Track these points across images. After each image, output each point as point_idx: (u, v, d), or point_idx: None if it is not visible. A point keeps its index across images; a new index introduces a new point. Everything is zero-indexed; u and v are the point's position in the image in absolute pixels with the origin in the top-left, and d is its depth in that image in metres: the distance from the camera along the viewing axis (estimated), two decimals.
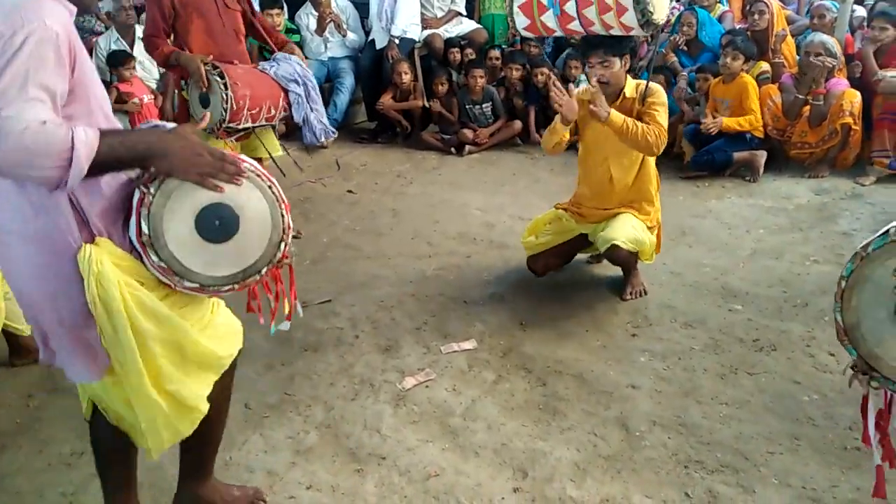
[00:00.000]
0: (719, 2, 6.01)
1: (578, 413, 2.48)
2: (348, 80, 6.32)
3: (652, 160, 3.11)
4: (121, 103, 5.33)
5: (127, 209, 1.47)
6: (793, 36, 5.32)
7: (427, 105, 6.03)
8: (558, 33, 3.06)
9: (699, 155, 4.73)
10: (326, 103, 6.25)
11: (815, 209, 4.20)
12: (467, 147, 5.74)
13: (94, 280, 1.40)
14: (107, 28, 6.15)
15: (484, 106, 5.81)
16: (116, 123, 1.52)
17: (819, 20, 5.08)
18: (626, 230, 3.01)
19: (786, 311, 3.09)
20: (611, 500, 2.09)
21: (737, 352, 2.81)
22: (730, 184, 4.71)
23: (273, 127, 3.78)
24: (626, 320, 3.08)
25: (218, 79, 3.29)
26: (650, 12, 2.71)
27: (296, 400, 2.59)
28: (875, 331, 1.31)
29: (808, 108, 4.62)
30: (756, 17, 5.06)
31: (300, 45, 6.28)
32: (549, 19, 2.96)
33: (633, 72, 3.09)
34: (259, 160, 3.74)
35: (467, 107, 5.87)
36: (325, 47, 6.37)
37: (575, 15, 2.86)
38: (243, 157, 1.53)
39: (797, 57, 5.00)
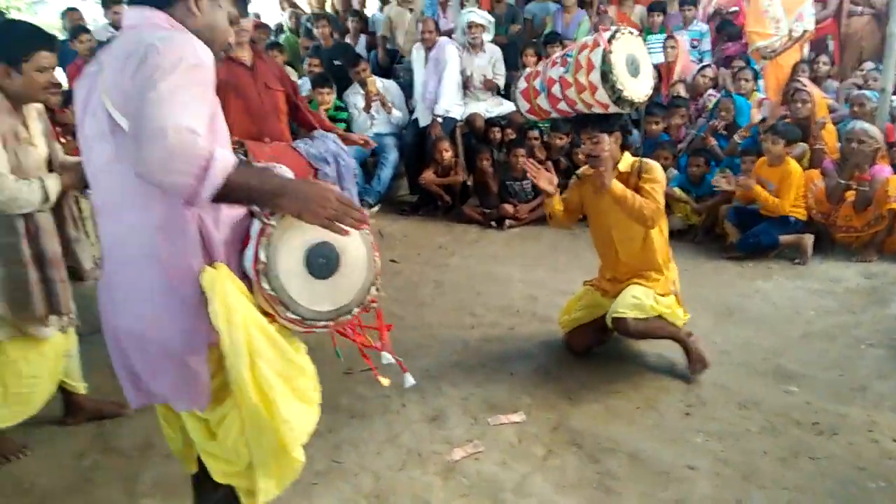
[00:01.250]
0: (756, 89, 6.14)
1: (634, 494, 2.41)
2: (392, 155, 6.51)
3: (656, 231, 3.13)
4: None
5: (243, 240, 1.57)
6: (833, 124, 5.38)
7: (466, 180, 6.17)
8: (553, 115, 3.25)
9: (745, 238, 4.72)
10: (370, 176, 6.44)
11: (866, 293, 4.13)
12: (507, 221, 5.82)
13: (219, 298, 1.47)
14: None
15: (524, 182, 5.91)
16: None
17: (859, 108, 5.15)
18: (627, 300, 3.05)
19: (843, 394, 3.01)
20: None
21: (795, 435, 2.72)
22: (776, 265, 4.67)
23: None
24: (678, 399, 3.02)
25: (241, 155, 3.35)
26: (619, 89, 2.82)
27: (344, 468, 2.56)
28: None
29: (851, 193, 4.63)
30: (798, 105, 5.15)
31: (348, 121, 6.54)
32: (542, 102, 3.18)
33: (631, 149, 3.24)
34: None
35: (508, 182, 5.99)
36: (371, 124, 6.59)
37: (560, 96, 3.06)
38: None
39: (838, 144, 5.05)
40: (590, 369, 3.28)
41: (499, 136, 6.45)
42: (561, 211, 3.30)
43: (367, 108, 6.56)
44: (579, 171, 3.31)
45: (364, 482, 2.48)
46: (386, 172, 6.45)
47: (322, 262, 1.59)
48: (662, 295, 3.12)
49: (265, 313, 1.58)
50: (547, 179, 3.20)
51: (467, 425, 2.84)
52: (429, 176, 6.25)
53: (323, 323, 1.63)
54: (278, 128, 3.76)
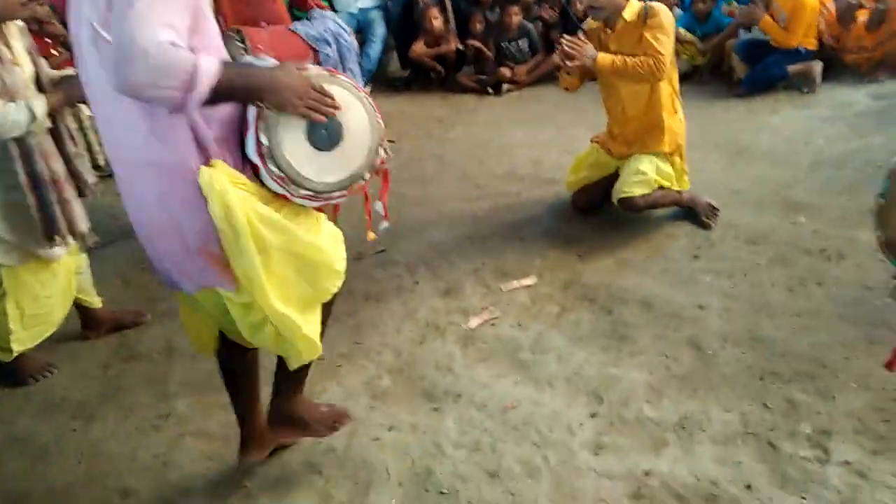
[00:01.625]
0: None
1: (647, 337, 2.48)
2: (379, 30, 6.24)
3: (665, 83, 2.98)
4: None
5: (241, 129, 1.57)
6: None
7: (461, 48, 5.93)
8: None
9: (754, 73, 4.57)
10: (359, 55, 6.21)
11: (875, 115, 4.02)
12: (505, 86, 5.64)
13: (217, 198, 1.49)
14: None
15: (520, 42, 5.68)
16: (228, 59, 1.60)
17: None
18: (631, 178, 3.03)
19: (851, 219, 3.00)
20: (690, 417, 2.10)
21: (804, 263, 2.75)
22: (784, 97, 4.53)
23: None
24: (685, 244, 3.04)
25: (239, 43, 3.23)
26: None
27: (365, 348, 2.65)
28: None
29: (863, 11, 4.40)
30: None
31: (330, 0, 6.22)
32: None
33: None
34: None
35: (503, 45, 5.75)
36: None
37: None
38: (339, 72, 1.66)
39: None
40: (598, 226, 3.29)
41: None
42: (573, 78, 3.13)
43: None
44: (585, 25, 3.12)
45: (387, 358, 2.58)
46: (375, 49, 6.20)
47: (324, 134, 1.59)
48: (669, 154, 3.06)
49: (277, 196, 1.60)
50: (588, 56, 2.88)
51: (481, 294, 2.90)
52: (419, 48, 6.01)
53: (338, 193, 1.66)
54: (275, 10, 3.62)
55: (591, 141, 3.38)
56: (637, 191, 3.02)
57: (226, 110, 1.55)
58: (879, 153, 3.55)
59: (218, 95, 1.39)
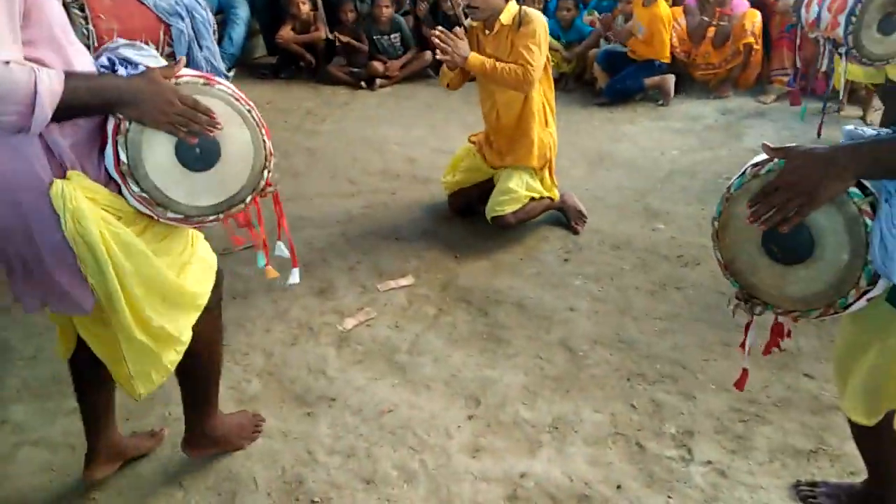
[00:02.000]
0: None
1: (522, 339, 2.52)
2: (242, 11, 5.92)
3: (538, 93, 2.98)
4: None
5: (102, 138, 1.36)
6: None
7: (330, 37, 5.77)
8: None
9: (612, 83, 4.82)
10: (221, 37, 5.86)
11: (722, 129, 4.38)
12: (378, 80, 5.56)
13: (70, 216, 1.31)
14: None
15: (392, 36, 5.62)
16: (80, 48, 1.36)
17: None
18: (501, 197, 3.05)
19: (704, 227, 3.22)
20: (563, 418, 2.15)
21: (664, 269, 2.92)
22: (641, 108, 4.82)
23: None
24: (557, 247, 3.13)
25: (78, 11, 2.90)
26: None
27: (231, 349, 2.48)
28: (748, 263, 1.37)
29: (712, 29, 4.77)
30: None
31: None
32: None
33: None
34: None
35: (375, 38, 5.67)
36: None
37: None
38: (218, 79, 1.43)
39: None
40: (474, 228, 3.30)
41: None
42: (455, 75, 3.05)
43: None
44: (466, 23, 3.07)
45: (256, 360, 2.43)
46: (238, 31, 5.88)
47: (196, 153, 1.39)
48: (539, 168, 3.09)
49: (143, 214, 1.43)
50: (461, 52, 2.81)
51: (357, 294, 2.82)
52: (287, 34, 5.78)
53: (212, 217, 1.47)
54: None
55: (469, 140, 3.36)
56: (508, 209, 3.03)
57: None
58: (726, 165, 3.87)
59: (66, 113, 1.23)
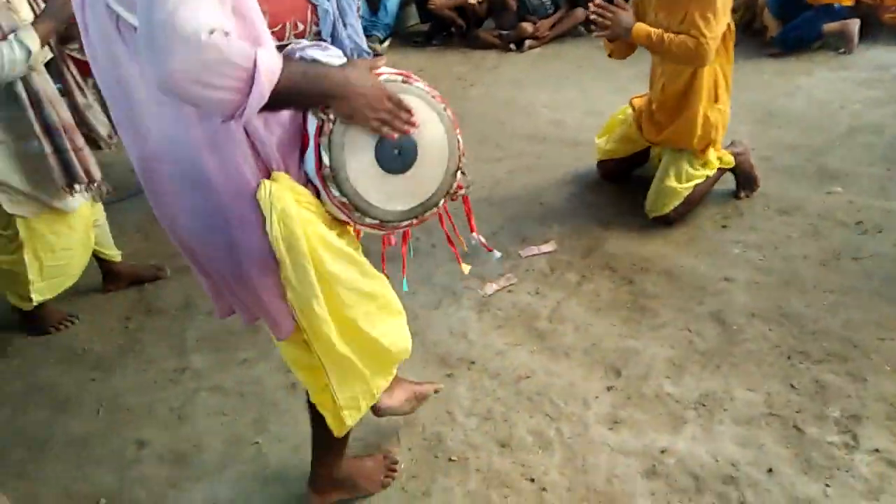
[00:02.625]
0: None
1: (670, 310, 2.40)
2: None
3: (708, 69, 2.63)
4: None
5: (302, 140, 1.33)
6: None
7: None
8: None
9: (786, 32, 4.34)
10: (376, 8, 6.03)
11: None
12: (527, 42, 5.45)
13: (277, 218, 1.26)
14: None
15: None
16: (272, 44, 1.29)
17: None
18: (661, 197, 2.80)
19: (890, 189, 2.86)
20: (711, 395, 2.03)
21: (839, 236, 2.63)
22: (819, 57, 4.32)
23: None
24: (714, 212, 2.92)
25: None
26: None
27: None
28: None
29: None
30: None
31: None
32: None
33: None
34: None
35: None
36: None
37: None
38: (415, 77, 1.40)
39: None
40: (623, 193, 3.16)
41: None
42: (617, 45, 2.79)
43: None
44: None
45: None
46: (392, 1, 6.01)
47: (396, 155, 1.34)
48: (701, 150, 2.78)
49: (338, 221, 1.41)
50: (621, 24, 2.56)
51: (499, 259, 2.82)
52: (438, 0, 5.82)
53: (407, 222, 1.43)
54: None
55: (630, 102, 3.07)
56: (668, 208, 2.80)
57: (287, 111, 1.32)
58: None
59: (279, 100, 1.12)
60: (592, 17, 2.61)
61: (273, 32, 3.18)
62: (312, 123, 1.31)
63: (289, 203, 1.27)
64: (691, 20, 2.44)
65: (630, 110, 3.04)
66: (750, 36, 4.83)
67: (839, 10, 4.29)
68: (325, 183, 1.31)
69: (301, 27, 3.25)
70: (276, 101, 1.11)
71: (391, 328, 1.54)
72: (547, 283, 2.64)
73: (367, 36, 5.81)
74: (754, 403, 1.98)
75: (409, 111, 1.30)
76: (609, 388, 2.11)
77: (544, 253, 2.82)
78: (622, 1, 2.66)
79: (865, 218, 2.70)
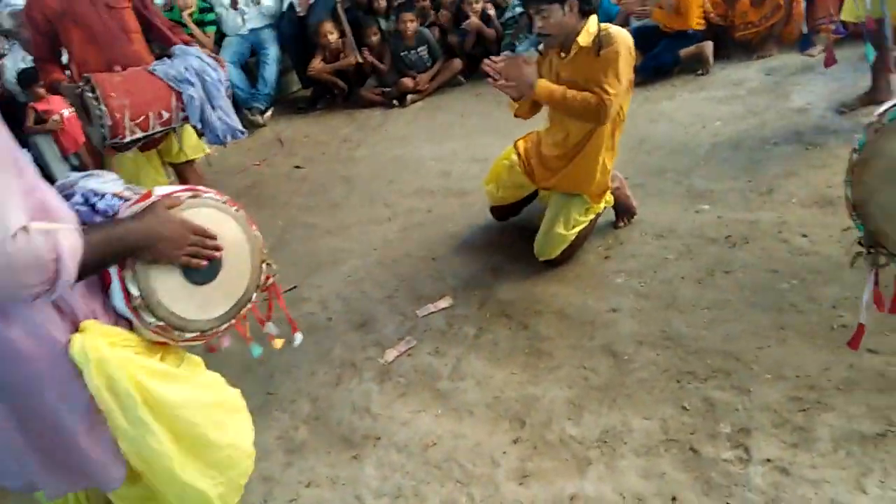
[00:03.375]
0: None
1: (564, 350, 2.44)
2: (273, 50, 6.07)
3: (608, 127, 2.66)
4: (41, 123, 5.09)
5: (103, 277, 1.33)
6: None
7: (360, 61, 5.82)
8: None
9: (646, 61, 4.60)
10: (255, 79, 6.02)
11: (768, 90, 4.12)
12: (409, 96, 5.57)
13: (94, 368, 1.23)
14: (9, 47, 5.81)
15: (420, 50, 5.61)
16: (43, 184, 1.24)
17: None
18: (551, 242, 2.82)
19: (752, 201, 3.04)
20: (611, 431, 2.06)
21: (711, 253, 2.76)
22: (679, 81, 4.61)
23: (173, 130, 3.29)
24: (597, 244, 3.02)
25: (90, 93, 2.92)
26: None
27: (279, 397, 2.52)
28: (885, 207, 1.22)
29: None
30: None
31: (217, 22, 6.01)
32: None
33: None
34: (189, 163, 3.54)
35: (402, 54, 5.68)
36: (243, 20, 6.08)
37: None
38: (203, 189, 1.45)
39: None
40: (511, 236, 3.24)
41: (383, 3, 6.02)
42: (523, 104, 2.76)
43: (235, 3, 6.02)
44: (540, 47, 2.73)
45: (302, 407, 2.46)
46: (270, 71, 6.03)
47: (203, 266, 1.39)
48: (596, 197, 2.81)
49: (158, 344, 1.40)
50: (522, 78, 2.52)
51: (397, 323, 2.80)
52: (318, 65, 5.88)
53: (226, 325, 1.46)
54: (131, 50, 3.32)
55: (515, 144, 3.05)
56: (556, 252, 2.83)
57: None
58: (772, 129, 3.64)
59: (85, 273, 1.13)
60: (489, 79, 2.55)
61: (137, 124, 3.12)
62: None
63: (103, 350, 1.25)
64: (595, 78, 2.44)
65: (514, 155, 3.04)
66: None
67: (693, 34, 4.59)
68: (138, 312, 1.32)
69: (166, 115, 3.17)
70: (82, 275, 1.12)
71: (241, 428, 1.53)
72: (445, 340, 2.64)
73: (248, 108, 5.81)
74: (651, 432, 2.02)
75: (212, 237, 1.37)
76: (515, 441, 2.11)
77: (441, 309, 2.83)
78: (527, 56, 2.66)
79: (733, 231, 2.85)
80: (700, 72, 4.59)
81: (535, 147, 2.95)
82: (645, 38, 4.72)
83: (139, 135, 3.10)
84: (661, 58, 4.60)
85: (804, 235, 2.70)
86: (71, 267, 1.07)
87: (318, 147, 5.10)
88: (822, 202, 2.88)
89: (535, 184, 2.99)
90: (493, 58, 2.58)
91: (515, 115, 2.85)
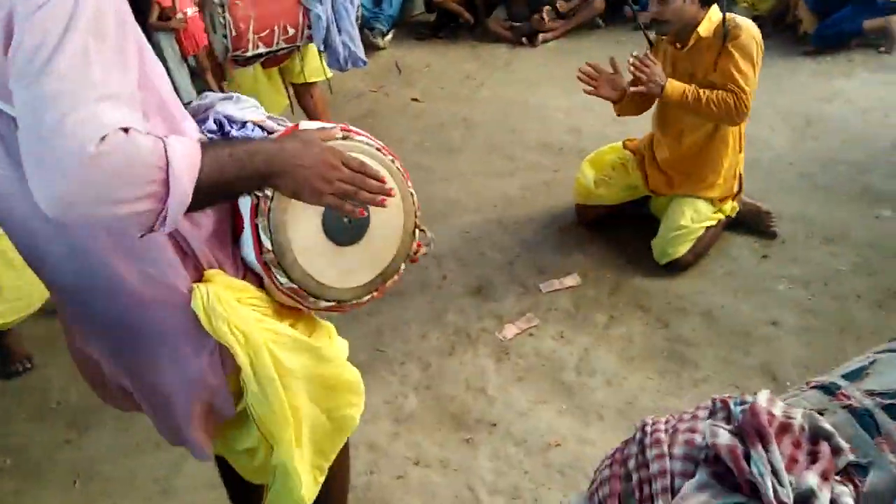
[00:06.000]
0: None
1: (712, 361, 2.15)
2: None
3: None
4: (164, 20, 4.96)
5: (233, 222, 1.13)
6: None
7: None
8: None
9: (823, 27, 4.04)
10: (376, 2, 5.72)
11: None
12: (541, 35, 5.15)
13: (225, 325, 1.07)
14: None
15: None
16: (188, 116, 1.10)
17: None
18: (673, 237, 2.50)
19: None
20: None
21: (893, 271, 2.37)
22: (859, 56, 4.03)
23: (297, 48, 3.12)
24: (752, 240, 2.66)
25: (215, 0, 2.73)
26: None
27: (388, 357, 2.36)
28: None
29: None
30: None
31: None
32: None
33: None
34: (309, 85, 3.35)
35: None
36: None
37: None
38: (355, 129, 1.18)
39: None
40: (648, 215, 2.88)
41: None
42: (629, 102, 2.53)
43: None
44: (652, 37, 2.54)
45: (411, 371, 2.29)
46: None
47: (346, 224, 1.16)
48: (720, 200, 2.55)
49: (287, 309, 1.21)
50: (657, 79, 2.31)
51: (517, 294, 2.57)
52: None
53: (367, 297, 1.23)
54: None
55: (624, 145, 2.77)
56: (682, 249, 2.51)
57: None
58: None
59: (207, 196, 0.88)
60: (631, 70, 2.33)
61: (261, 38, 2.93)
62: (246, 202, 1.11)
63: (233, 304, 1.07)
64: (728, 74, 2.24)
65: (626, 152, 2.72)
66: (781, 30, 4.53)
67: (882, 5, 3.98)
68: (269, 269, 1.11)
69: (291, 32, 3.00)
70: (202, 199, 0.87)
71: (345, 403, 1.32)
72: (572, 326, 2.39)
73: (370, 29, 5.53)
74: None
75: (374, 175, 1.05)
76: None
77: (567, 287, 2.58)
78: (650, 53, 2.42)
79: None
80: (883, 48, 4.00)
81: (648, 150, 2.66)
82: (824, 1, 4.14)
83: (262, 50, 2.96)
84: (843, 24, 4.00)
85: None
86: (185, 181, 0.83)
87: (437, 80, 4.80)
88: None
89: (649, 187, 2.67)
90: (634, 55, 2.32)
91: (618, 114, 2.60)
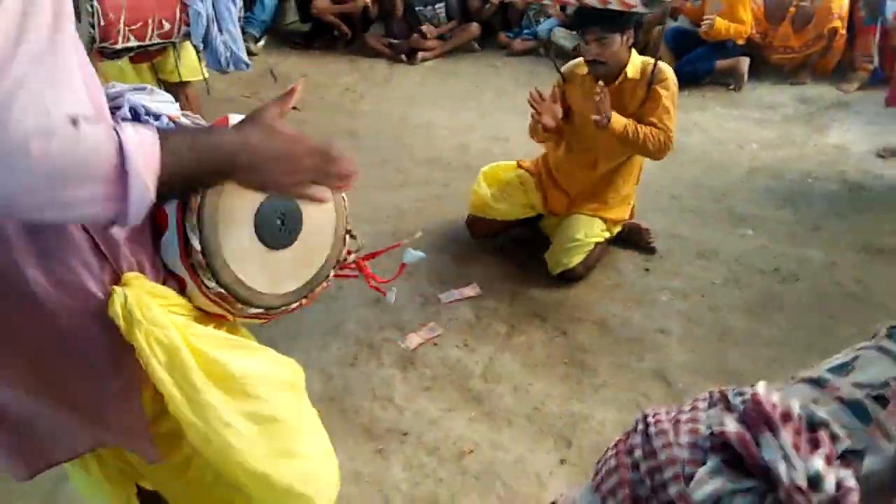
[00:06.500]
0: None
1: (610, 367, 2.24)
2: None
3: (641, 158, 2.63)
4: None
5: (157, 221, 0.99)
6: None
7: (368, 3, 5.41)
8: None
9: (682, 65, 4.41)
10: (251, 2, 5.51)
11: (803, 120, 4.03)
12: (419, 53, 5.21)
13: (144, 332, 0.93)
14: None
15: (437, 6, 5.25)
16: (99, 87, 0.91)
17: None
18: (567, 248, 2.59)
19: (799, 235, 2.92)
20: None
21: (760, 284, 2.62)
22: (711, 93, 4.46)
23: (172, 45, 2.93)
24: (635, 254, 2.83)
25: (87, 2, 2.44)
26: None
27: None
28: None
29: (792, 10, 4.37)
30: None
31: None
32: None
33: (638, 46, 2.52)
34: (183, 84, 3.15)
35: (417, 8, 5.29)
36: None
37: None
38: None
39: None
40: (540, 234, 2.98)
41: None
42: (555, 136, 2.66)
43: None
44: (564, 70, 2.64)
45: (313, 383, 2.17)
46: None
47: (279, 225, 1.07)
48: (614, 222, 2.70)
49: (210, 316, 1.08)
50: (553, 115, 2.49)
51: (417, 305, 2.54)
52: (322, 3, 5.42)
53: (295, 304, 1.15)
54: None
55: (519, 165, 2.82)
56: (575, 259, 2.59)
57: None
58: (814, 163, 3.53)
59: (166, 190, 0.77)
60: (595, 101, 2.37)
61: (132, 30, 2.67)
62: (171, 201, 0.99)
63: (154, 308, 0.94)
64: (657, 113, 2.41)
65: (522, 171, 2.80)
66: None
67: (732, 47, 4.44)
68: (195, 272, 1.00)
69: (167, 27, 2.77)
70: (164, 193, 0.76)
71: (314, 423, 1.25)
72: (474, 334, 2.40)
73: (242, 33, 5.30)
74: None
75: (346, 159, 0.95)
76: (562, 462, 1.91)
77: (467, 298, 2.58)
78: (567, 88, 2.58)
79: (781, 265, 2.71)
80: (732, 87, 4.45)
81: (546, 171, 2.77)
82: (680, 42, 4.56)
83: (133, 43, 2.68)
84: (698, 65, 4.42)
85: (858, 282, 2.59)
86: (145, 174, 0.72)
87: (316, 90, 4.69)
88: (870, 249, 2.78)
89: (547, 208, 2.78)
90: (601, 85, 2.39)
91: (539, 142, 2.71)
